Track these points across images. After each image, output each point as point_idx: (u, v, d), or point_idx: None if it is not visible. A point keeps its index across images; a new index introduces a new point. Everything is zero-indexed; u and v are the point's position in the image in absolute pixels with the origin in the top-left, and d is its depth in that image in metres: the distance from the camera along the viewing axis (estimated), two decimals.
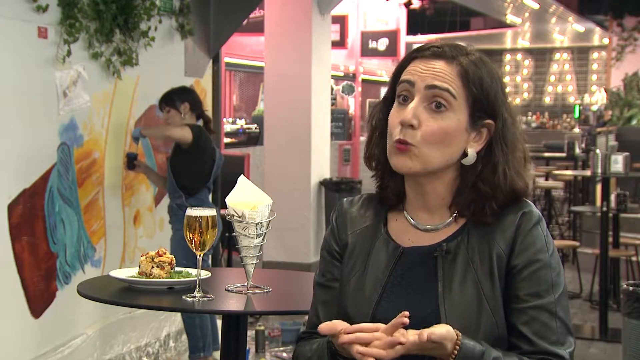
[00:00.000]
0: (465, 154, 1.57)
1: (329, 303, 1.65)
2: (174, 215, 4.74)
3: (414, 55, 1.59)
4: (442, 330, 1.40)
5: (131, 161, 4.74)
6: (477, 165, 1.57)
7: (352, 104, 12.92)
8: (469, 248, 1.55)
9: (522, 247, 1.53)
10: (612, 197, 6.42)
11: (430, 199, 1.60)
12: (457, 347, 1.42)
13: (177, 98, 4.73)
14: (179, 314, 5.06)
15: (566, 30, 18.24)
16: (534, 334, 1.50)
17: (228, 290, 2.53)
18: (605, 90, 14.11)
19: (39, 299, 4.18)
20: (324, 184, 8.10)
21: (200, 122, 4.85)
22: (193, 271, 2.65)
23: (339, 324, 1.43)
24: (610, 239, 6.47)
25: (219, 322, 5.25)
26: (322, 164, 8.16)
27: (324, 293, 1.67)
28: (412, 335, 1.38)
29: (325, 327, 1.43)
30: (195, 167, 4.69)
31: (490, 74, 1.57)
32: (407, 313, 1.40)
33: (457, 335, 1.42)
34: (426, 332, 1.37)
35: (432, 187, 1.59)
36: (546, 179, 10.32)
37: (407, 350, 1.39)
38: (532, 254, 1.53)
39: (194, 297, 2.40)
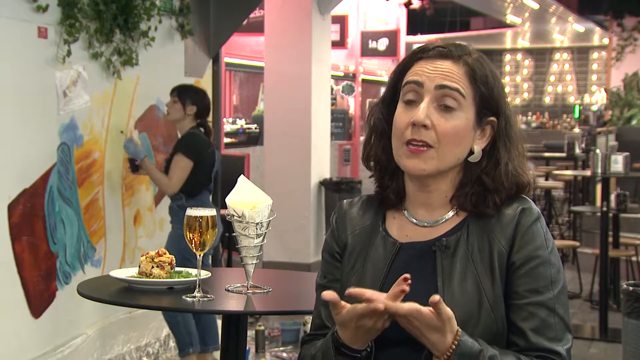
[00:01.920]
0: (470, 152, 1.58)
1: None
2: (175, 215, 4.74)
3: (418, 55, 1.59)
4: (450, 312, 1.40)
5: (133, 163, 4.75)
6: (481, 162, 1.59)
7: (352, 104, 12.92)
8: (469, 244, 1.56)
9: (522, 243, 1.54)
10: (612, 197, 6.42)
11: (433, 197, 1.61)
12: (456, 342, 1.42)
13: (190, 97, 4.71)
14: None
15: (566, 30, 18.24)
16: (532, 330, 1.51)
17: (228, 290, 2.53)
18: (605, 90, 14.10)
19: (39, 299, 4.18)
20: (324, 184, 8.10)
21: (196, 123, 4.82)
22: (193, 271, 2.65)
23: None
24: (610, 239, 6.47)
25: (219, 322, 5.26)
26: (322, 164, 8.16)
27: None
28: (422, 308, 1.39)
29: (328, 294, 1.43)
30: (196, 173, 4.67)
31: (492, 73, 1.60)
32: (407, 277, 1.40)
33: (457, 330, 1.43)
34: (440, 302, 1.38)
35: (436, 186, 1.60)
36: (546, 179, 10.32)
37: (410, 311, 1.38)
38: (531, 250, 1.53)
39: (194, 297, 2.40)
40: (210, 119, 5.65)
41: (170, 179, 4.62)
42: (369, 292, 1.41)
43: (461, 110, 1.55)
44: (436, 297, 1.37)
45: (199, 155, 4.65)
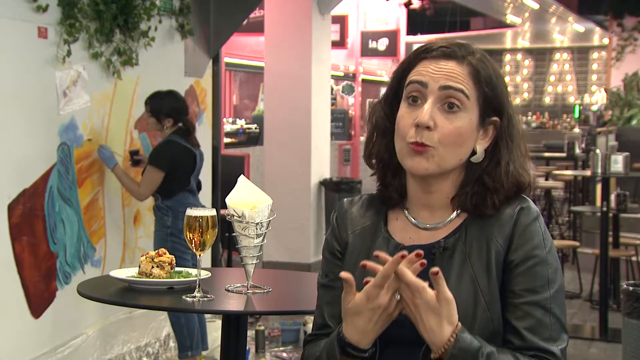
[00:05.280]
0: (473, 152, 1.58)
1: (334, 303, 1.64)
2: (155, 215, 4.76)
3: (422, 55, 1.58)
4: (450, 296, 1.42)
5: (133, 157, 4.76)
6: (483, 162, 1.59)
7: (352, 104, 12.92)
8: (467, 243, 1.56)
9: (520, 242, 1.53)
10: (612, 197, 6.42)
11: (435, 197, 1.61)
12: (454, 336, 1.42)
13: (163, 111, 4.66)
14: None
15: (566, 30, 18.24)
16: (527, 329, 1.50)
17: (228, 290, 2.53)
18: (605, 90, 14.11)
19: (39, 299, 4.18)
20: (324, 184, 8.10)
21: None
22: (193, 271, 2.65)
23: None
24: (610, 239, 6.47)
25: (212, 324, 5.26)
26: (322, 164, 8.16)
27: (328, 293, 1.67)
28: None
29: (345, 274, 1.46)
30: (170, 180, 4.64)
31: (495, 72, 1.59)
32: (421, 252, 1.41)
33: (457, 324, 1.43)
34: (440, 276, 1.40)
35: (438, 186, 1.59)
36: (546, 179, 10.32)
37: (415, 282, 1.40)
38: (529, 250, 1.53)
39: (194, 297, 2.41)
40: (210, 118, 5.66)
41: (139, 188, 4.63)
42: (382, 253, 1.44)
43: (465, 111, 1.54)
44: (435, 269, 1.40)
45: (171, 165, 4.62)
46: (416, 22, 15.51)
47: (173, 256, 2.67)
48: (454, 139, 1.54)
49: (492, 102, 1.57)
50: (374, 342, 1.50)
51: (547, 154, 11.74)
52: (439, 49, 1.57)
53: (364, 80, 12.84)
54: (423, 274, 1.53)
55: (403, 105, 1.58)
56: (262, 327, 5.32)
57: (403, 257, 1.42)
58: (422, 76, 1.55)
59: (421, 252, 1.42)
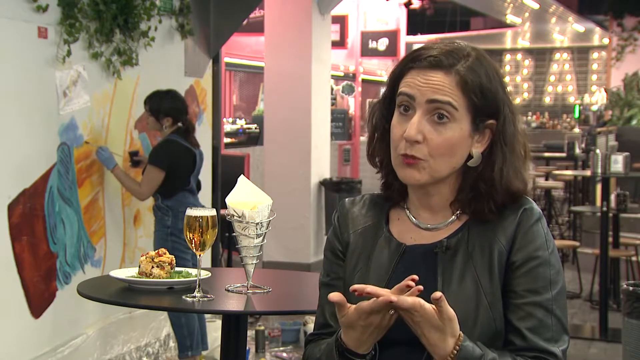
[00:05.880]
0: (470, 156, 1.57)
1: None
2: (154, 215, 4.76)
3: (410, 65, 1.56)
4: (452, 312, 1.41)
5: (133, 158, 4.75)
6: (478, 166, 1.58)
7: (352, 104, 12.92)
8: (469, 244, 1.55)
9: (522, 243, 1.53)
10: (612, 197, 6.42)
11: (434, 199, 1.60)
12: (457, 347, 1.42)
13: (162, 110, 4.66)
14: None
15: (566, 30, 18.25)
16: (529, 330, 1.51)
17: (228, 290, 2.53)
18: (605, 90, 14.12)
19: (39, 299, 4.18)
20: (324, 184, 8.10)
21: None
22: (193, 271, 2.65)
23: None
24: (610, 239, 6.47)
25: (212, 324, 5.26)
26: (322, 164, 8.16)
27: (329, 293, 1.66)
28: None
29: (335, 295, 1.44)
30: (170, 179, 4.64)
31: (489, 75, 1.55)
32: (415, 277, 1.40)
33: (460, 335, 1.43)
34: (442, 299, 1.38)
35: (437, 191, 1.59)
36: (546, 179, 10.33)
37: (413, 305, 1.38)
38: (531, 251, 1.53)
39: (194, 297, 2.41)
40: (210, 118, 5.66)
41: (140, 187, 4.63)
42: (369, 287, 1.41)
43: (454, 121, 1.52)
44: (438, 294, 1.38)
45: (171, 164, 4.61)
46: (416, 22, 15.51)
47: (173, 256, 2.67)
48: (445, 150, 1.53)
49: (485, 108, 1.55)
50: (373, 345, 1.50)
51: (547, 154, 11.75)
52: (427, 58, 1.54)
53: (364, 80, 12.84)
54: (426, 274, 1.54)
55: (396, 113, 1.57)
56: (262, 327, 5.32)
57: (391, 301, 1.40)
58: (410, 88, 1.54)
59: (415, 277, 1.41)
